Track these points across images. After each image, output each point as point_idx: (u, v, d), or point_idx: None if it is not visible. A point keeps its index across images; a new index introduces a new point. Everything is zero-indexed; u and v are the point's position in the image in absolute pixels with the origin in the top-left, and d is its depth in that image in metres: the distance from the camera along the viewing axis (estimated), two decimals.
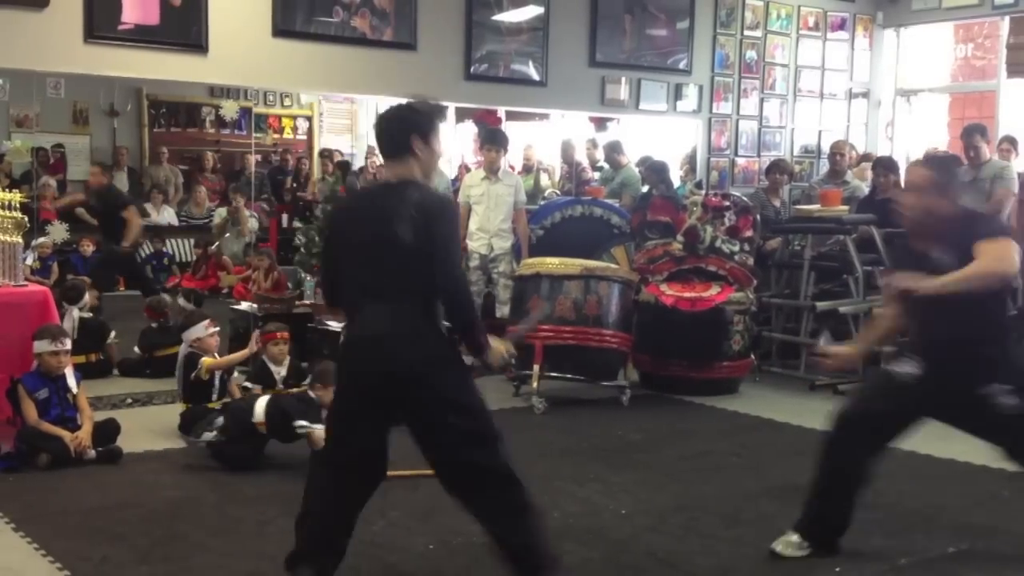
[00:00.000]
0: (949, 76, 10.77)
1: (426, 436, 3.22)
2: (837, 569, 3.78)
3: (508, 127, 9.47)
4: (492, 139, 7.57)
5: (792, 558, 3.83)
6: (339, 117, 12.96)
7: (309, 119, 13.04)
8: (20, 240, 5.54)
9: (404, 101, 3.38)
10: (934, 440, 5.66)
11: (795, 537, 3.83)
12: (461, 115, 10.47)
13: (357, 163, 12.38)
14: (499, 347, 3.31)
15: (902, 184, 8.07)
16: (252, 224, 10.22)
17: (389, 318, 3.11)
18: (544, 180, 10.63)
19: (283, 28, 7.39)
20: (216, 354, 5.61)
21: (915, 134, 10.63)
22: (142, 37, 6.93)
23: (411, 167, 3.23)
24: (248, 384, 5.82)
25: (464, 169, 10.42)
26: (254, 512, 4.25)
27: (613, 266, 7.01)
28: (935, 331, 3.66)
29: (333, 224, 3.59)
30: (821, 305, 7.34)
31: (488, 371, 6.49)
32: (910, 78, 10.65)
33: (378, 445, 3.27)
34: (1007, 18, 9.55)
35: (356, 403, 3.22)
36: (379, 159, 11.12)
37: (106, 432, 4.98)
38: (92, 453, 4.85)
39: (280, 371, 5.98)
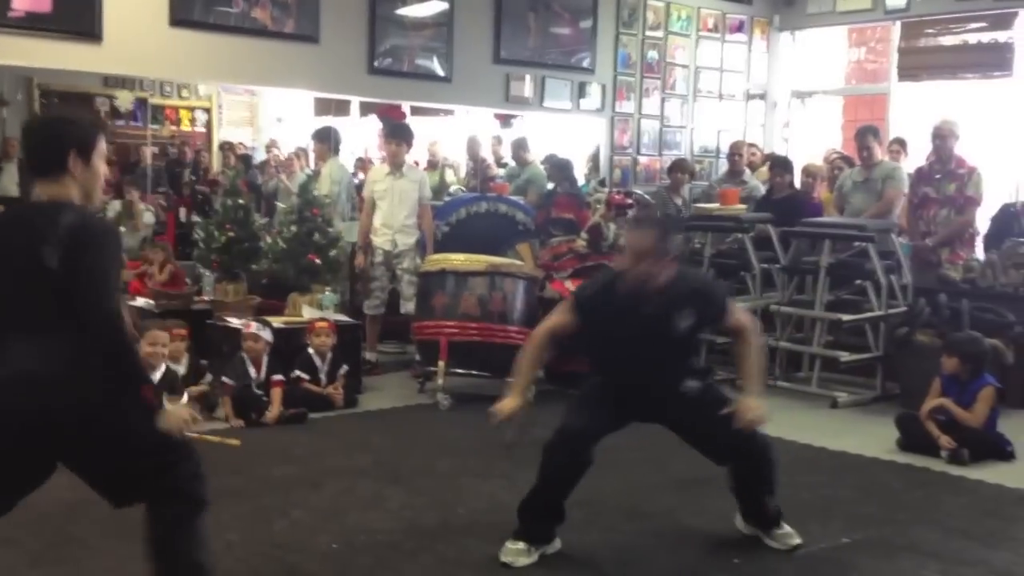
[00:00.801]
0: (843, 79, 11.09)
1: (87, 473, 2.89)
2: (736, 560, 3.86)
3: (413, 122, 9.42)
4: (396, 133, 7.52)
5: (690, 553, 3.90)
6: (239, 109, 12.69)
7: (208, 111, 12.74)
8: None
9: (57, 115, 3.05)
10: (827, 434, 5.86)
11: (521, 544, 3.80)
12: (365, 109, 10.38)
13: (258, 156, 12.18)
14: (177, 412, 2.92)
15: (797, 184, 8.32)
16: (148, 218, 9.93)
17: (38, 354, 2.69)
18: (449, 176, 10.61)
19: (180, 17, 7.21)
20: None
21: (810, 135, 10.92)
22: (32, 24, 6.68)
23: (67, 187, 2.78)
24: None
25: (367, 164, 10.34)
26: None
27: (518, 263, 7.04)
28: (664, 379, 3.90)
29: None
30: None
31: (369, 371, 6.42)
32: (805, 80, 10.93)
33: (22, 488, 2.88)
34: (898, 23, 9.87)
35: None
36: (282, 152, 11.03)
37: None
38: None
39: (179, 369, 5.86)
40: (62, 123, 2.89)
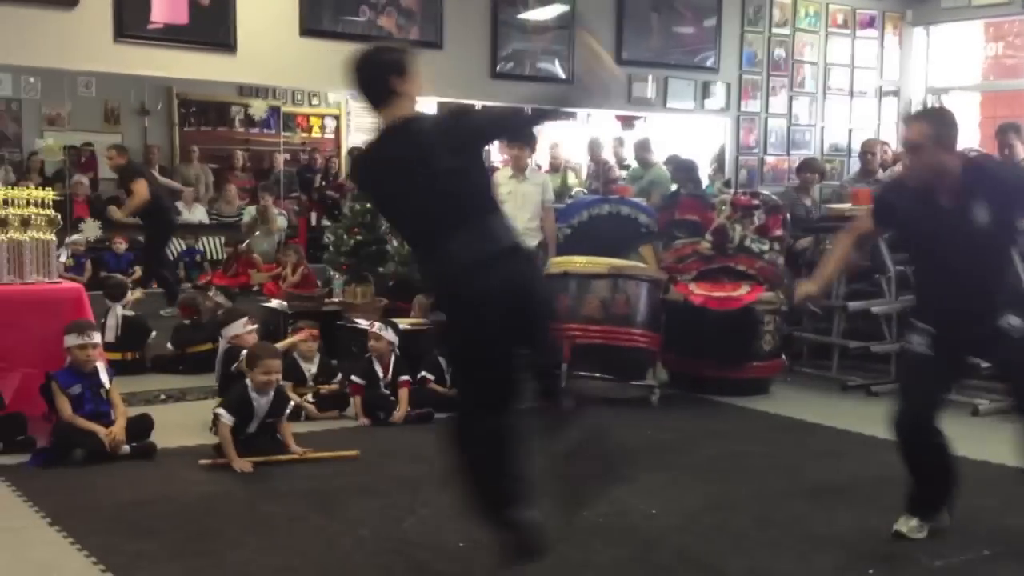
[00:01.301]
0: (980, 74, 10.67)
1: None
2: (871, 571, 3.75)
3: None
4: (518, 138, 7.56)
5: (824, 562, 3.81)
6: (367, 116, 13.01)
7: (337, 118, 13.09)
8: (53, 237, 5.59)
9: (372, 49, 3.44)
10: (969, 443, 5.63)
11: (914, 521, 3.93)
12: None
13: None
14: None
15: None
16: (281, 222, 10.26)
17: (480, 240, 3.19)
18: (571, 178, 10.62)
19: (310, 27, 7.42)
20: None
21: None
22: (171, 36, 6.98)
23: (402, 108, 3.29)
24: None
25: (491, 168, 10.43)
26: (286, 508, 4.27)
27: (641, 265, 6.99)
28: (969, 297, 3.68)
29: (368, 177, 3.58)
30: (853, 305, 7.28)
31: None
32: (940, 76, 10.56)
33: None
34: None
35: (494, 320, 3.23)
36: None
37: (140, 428, 5.02)
38: (126, 448, 4.89)
39: (310, 368, 6.02)
40: (377, 53, 3.40)
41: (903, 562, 3.82)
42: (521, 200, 7.32)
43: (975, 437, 5.83)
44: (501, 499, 3.32)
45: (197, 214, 11.23)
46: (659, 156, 9.46)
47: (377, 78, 3.30)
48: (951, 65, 10.58)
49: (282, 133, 12.35)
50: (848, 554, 3.88)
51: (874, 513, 4.28)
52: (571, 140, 11.09)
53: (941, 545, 3.89)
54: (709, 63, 9.31)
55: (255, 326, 5.77)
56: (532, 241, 7.33)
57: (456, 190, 3.20)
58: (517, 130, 3.46)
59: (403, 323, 6.49)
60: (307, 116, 12.87)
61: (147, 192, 8.57)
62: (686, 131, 10.01)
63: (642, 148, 9.50)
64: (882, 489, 4.61)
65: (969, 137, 10.34)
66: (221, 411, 4.87)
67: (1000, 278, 3.78)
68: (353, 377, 6.00)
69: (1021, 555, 3.94)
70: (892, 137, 10.19)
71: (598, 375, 6.48)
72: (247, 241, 9.93)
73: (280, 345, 5.66)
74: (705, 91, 9.33)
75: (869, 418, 6.18)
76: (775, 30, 9.70)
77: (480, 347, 3.25)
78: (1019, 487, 4.86)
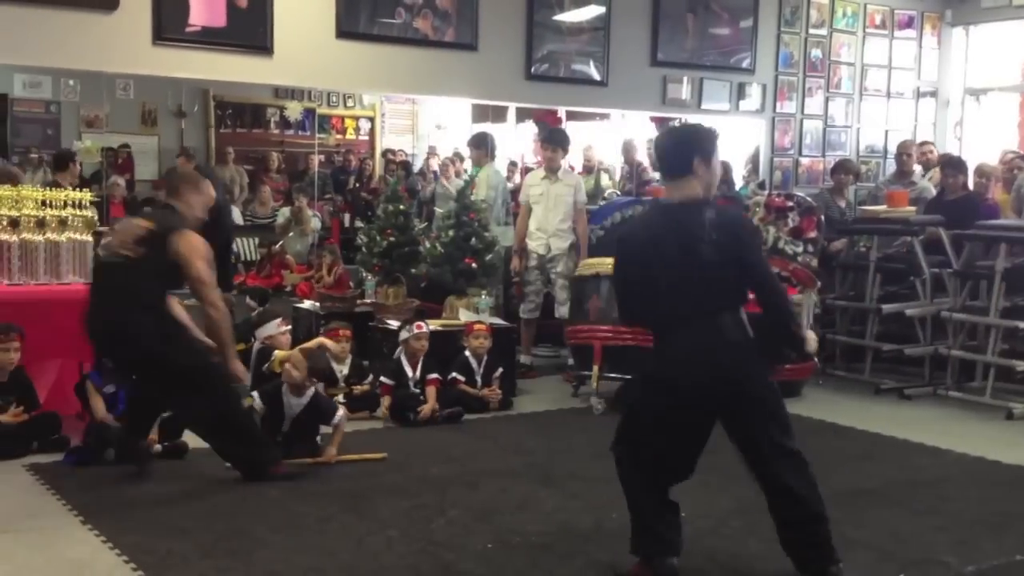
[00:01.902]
0: (1020, 75, 10.51)
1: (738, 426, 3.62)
2: (901, 575, 3.71)
3: (568, 127, 9.45)
4: (552, 139, 7.56)
5: (854, 565, 3.77)
6: (401, 118, 13.05)
7: (371, 120, 13.15)
8: (90, 238, 5.66)
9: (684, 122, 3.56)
10: (1003, 447, 5.56)
11: None
12: (521, 115, 10.48)
13: (418, 163, 12.47)
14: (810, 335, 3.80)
15: (970, 185, 7.93)
16: (315, 224, 10.32)
17: (713, 331, 3.43)
18: (604, 180, 10.59)
19: (346, 29, 7.45)
20: None
21: (984, 134, 10.39)
22: (209, 39, 7.04)
23: (694, 186, 3.48)
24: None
25: (523, 169, 10.43)
26: (316, 508, 4.29)
27: None
28: None
29: (628, 247, 3.69)
30: (887, 308, 7.21)
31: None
32: (980, 77, 10.41)
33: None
34: None
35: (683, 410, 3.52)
36: (439, 158, 11.25)
37: (172, 427, 5.07)
38: (158, 448, 4.94)
39: (342, 369, 6.06)
40: (689, 132, 3.74)
41: (934, 567, 3.78)
42: (554, 201, 7.33)
43: (1009, 441, 5.77)
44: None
45: (232, 216, 11.30)
46: None
47: (681, 153, 3.53)
48: (991, 65, 10.43)
49: (317, 135, 12.43)
50: (879, 557, 3.85)
51: (906, 517, 4.24)
52: (605, 141, 11.07)
53: (973, 550, 3.85)
54: (745, 64, 9.25)
55: (288, 327, 5.82)
56: (564, 243, 7.34)
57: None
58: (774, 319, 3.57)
59: (434, 324, 6.52)
60: (342, 118, 12.94)
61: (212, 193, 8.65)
62: (721, 132, 9.95)
63: None
64: (914, 493, 4.57)
65: (1007, 139, 10.20)
66: (254, 394, 4.93)
67: None
68: (383, 378, 6.04)
69: None
70: (930, 138, 10.09)
71: (629, 377, 6.46)
72: (280, 242, 10.01)
73: (305, 347, 5.67)
74: (740, 92, 9.28)
75: (902, 421, 6.13)
76: (812, 31, 9.63)
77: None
78: None
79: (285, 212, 10.61)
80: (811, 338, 3.78)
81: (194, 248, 4.55)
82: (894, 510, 4.40)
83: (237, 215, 11.49)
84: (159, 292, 4.59)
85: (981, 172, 8.14)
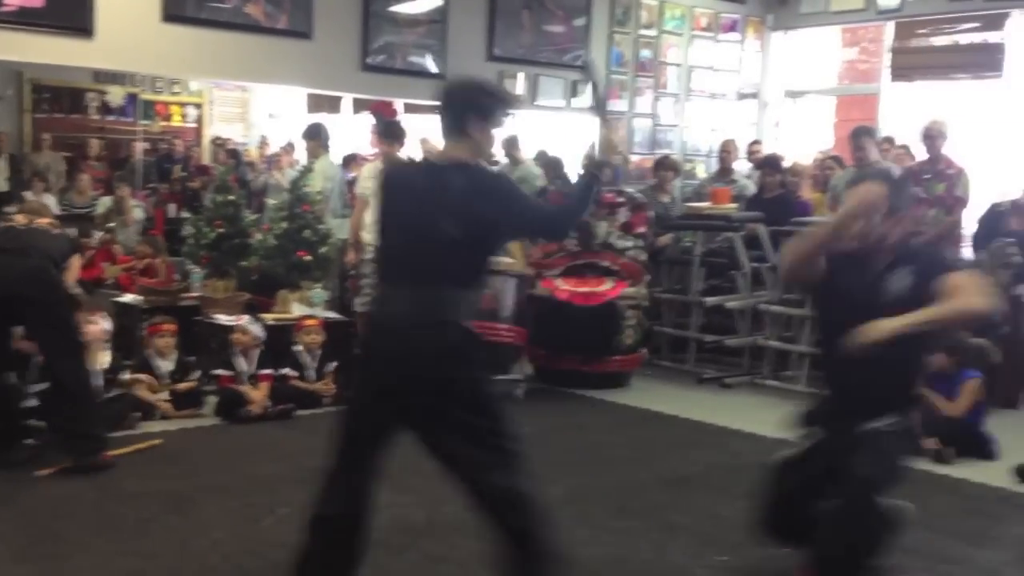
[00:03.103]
0: (835, 78, 11.11)
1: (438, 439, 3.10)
2: (724, 557, 3.87)
3: (406, 119, 9.40)
4: (388, 132, 7.50)
5: (680, 550, 3.91)
6: (231, 105, 12.67)
7: (199, 107, 12.72)
8: None
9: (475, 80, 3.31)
10: None
11: None
12: (358, 106, 10.37)
13: (250, 152, 12.14)
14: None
15: (789, 183, 8.32)
16: (137, 213, 9.90)
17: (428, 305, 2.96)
18: None
19: (173, 13, 7.20)
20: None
21: (802, 135, 10.93)
22: (25, 19, 6.68)
23: (463, 149, 3.08)
24: (140, 376, 5.70)
25: (359, 160, 10.32)
26: (136, 510, 4.14)
27: (509, 260, 7.04)
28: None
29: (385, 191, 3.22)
30: (710, 301, 7.50)
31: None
32: (798, 80, 10.95)
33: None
34: (891, 23, 9.89)
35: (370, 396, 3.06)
36: (270, 148, 11.00)
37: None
38: None
39: (166, 365, 5.86)
40: (469, 88, 3.22)
41: (754, 549, 3.95)
42: None
43: None
44: None
45: (48, 204, 10.74)
46: (528, 153, 9.54)
47: (456, 110, 3.13)
48: (808, 69, 10.98)
49: (140, 121, 11.93)
50: (702, 541, 4.00)
51: (726, 501, 4.42)
52: (440, 135, 11.07)
53: None
54: (579, 62, 9.43)
55: (101, 319, 5.59)
56: None
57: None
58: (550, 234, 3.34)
59: (268, 318, 6.39)
60: (167, 104, 12.47)
61: None
62: (555, 128, 10.11)
63: (511, 145, 9.53)
64: (734, 477, 4.77)
65: (823, 139, 10.77)
66: None
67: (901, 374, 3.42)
68: (218, 370, 5.91)
69: None
70: (750, 138, 10.53)
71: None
72: (101, 233, 9.58)
73: None
74: (574, 89, 9.45)
75: (723, 409, 6.40)
76: (642, 31, 9.90)
77: None
78: None
79: (105, 201, 10.15)
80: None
81: None
82: (716, 495, 4.59)
83: (54, 204, 10.94)
84: None
85: (794, 171, 8.56)
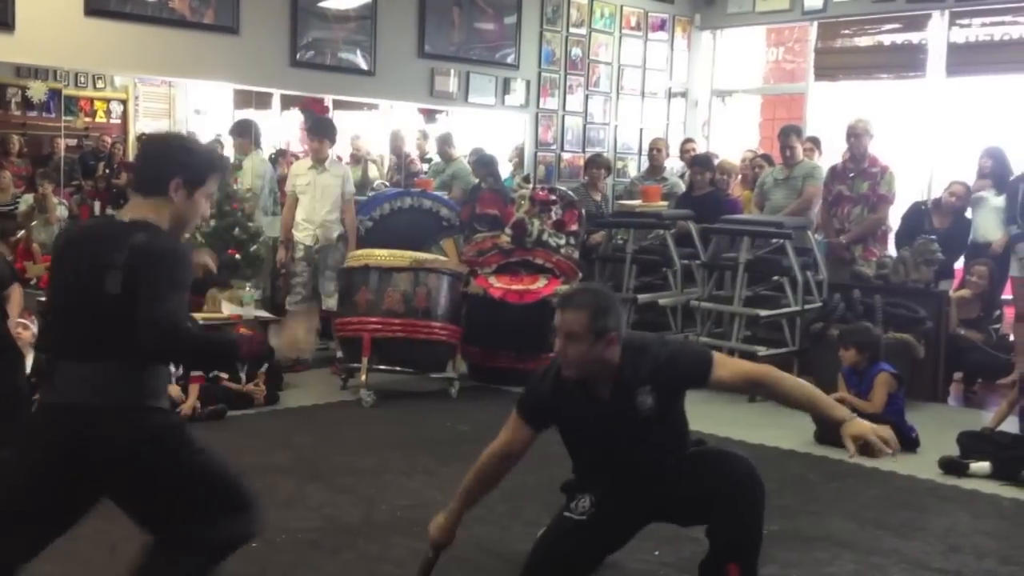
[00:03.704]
0: (761, 78, 11.28)
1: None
2: (656, 552, 3.91)
3: (336, 116, 9.33)
4: (318, 129, 7.46)
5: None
6: (156, 101, 12.43)
7: (124, 102, 12.47)
8: None
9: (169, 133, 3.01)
10: (745, 427, 5.97)
11: None
12: (287, 102, 10.26)
13: None
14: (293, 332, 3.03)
15: (718, 181, 8.44)
16: (61, 211, 9.69)
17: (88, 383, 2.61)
18: (372, 171, 10.53)
19: (96, 7, 7.03)
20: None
21: (729, 133, 11.09)
22: None
23: (160, 212, 2.71)
24: None
25: (288, 158, 10.22)
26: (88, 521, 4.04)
27: (442, 258, 7.04)
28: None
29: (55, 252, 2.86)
30: (642, 297, 7.58)
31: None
32: (725, 79, 11.10)
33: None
34: (815, 23, 10.08)
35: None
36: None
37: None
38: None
39: None
40: (177, 149, 2.84)
41: (686, 543, 4.00)
42: (321, 192, 7.23)
43: (752, 422, 6.19)
44: None
45: None
46: (461, 150, 9.53)
47: (159, 170, 2.75)
48: (735, 68, 11.14)
49: (63, 117, 11.64)
50: (638, 537, 4.01)
51: None
52: (373, 132, 11.00)
53: None
54: (509, 60, 9.44)
55: (30, 323, 5.45)
56: (332, 233, 7.25)
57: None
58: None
59: (198, 317, 6.28)
60: (91, 100, 12.18)
61: None
62: (487, 126, 10.12)
63: (444, 142, 9.54)
64: None
65: (750, 138, 10.94)
66: None
67: (673, 459, 3.39)
68: None
69: (794, 533, 4.20)
70: (679, 137, 10.65)
71: (399, 368, 6.48)
72: (23, 231, 9.35)
73: None
74: (506, 87, 9.46)
75: None
76: (572, 30, 9.94)
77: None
78: (794, 468, 5.19)
79: (28, 199, 9.91)
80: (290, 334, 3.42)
81: None
82: None
83: None
84: None
85: (723, 169, 8.69)
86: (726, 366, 3.31)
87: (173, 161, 2.73)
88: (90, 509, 2.77)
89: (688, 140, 9.99)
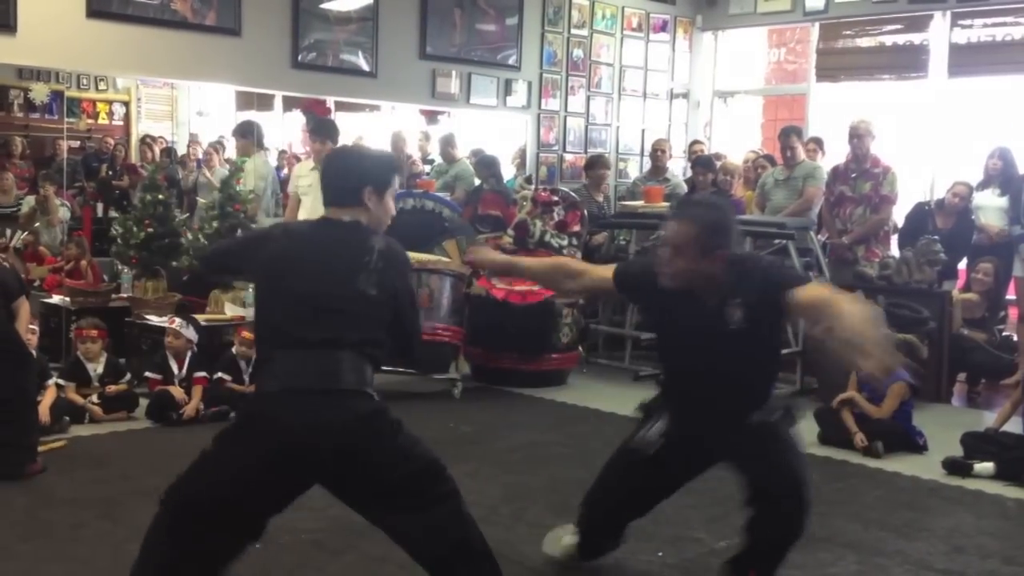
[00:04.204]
0: (763, 79, 11.28)
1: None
2: (660, 553, 3.91)
3: (338, 117, 9.34)
4: (320, 130, 7.44)
5: (624, 546, 3.93)
6: (159, 103, 12.46)
7: (126, 104, 12.49)
8: None
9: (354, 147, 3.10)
10: None
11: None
12: (289, 104, 10.26)
13: (179, 151, 11.95)
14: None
15: (721, 181, 8.44)
16: (63, 213, 9.69)
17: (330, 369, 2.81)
18: None
19: (98, 8, 7.04)
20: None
21: (731, 134, 11.09)
22: None
23: (360, 217, 2.97)
24: (61, 381, 5.56)
25: (293, 159, 10.23)
26: (68, 515, 4.05)
27: (445, 259, 7.03)
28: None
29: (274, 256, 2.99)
30: None
31: None
32: (727, 80, 11.10)
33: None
34: (817, 24, 10.07)
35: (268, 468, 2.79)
36: (202, 147, 10.84)
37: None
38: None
39: (96, 368, 5.74)
40: (360, 159, 3.12)
41: (689, 543, 4.00)
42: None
43: None
44: None
45: None
46: (463, 151, 9.53)
47: (350, 182, 2.99)
48: (737, 69, 11.14)
49: (66, 119, 11.66)
50: (639, 537, 4.02)
51: None
52: (374, 133, 11.00)
53: (724, 526, 4.10)
54: (511, 61, 9.44)
55: (34, 325, 5.46)
56: None
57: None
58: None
59: (201, 319, 6.29)
60: (93, 102, 12.20)
61: None
62: (489, 127, 10.12)
63: (446, 143, 9.54)
64: None
65: (752, 139, 10.93)
66: None
67: (759, 387, 3.35)
68: (148, 373, 5.80)
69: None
70: (681, 138, 10.64)
71: (401, 369, 6.47)
72: (25, 232, 9.36)
73: None
74: (507, 88, 9.46)
75: None
76: (574, 31, 9.94)
77: None
78: None
79: (30, 201, 9.92)
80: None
81: None
82: None
83: None
84: None
85: (725, 170, 8.69)
86: (811, 291, 3.10)
87: (359, 172, 2.99)
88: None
89: (696, 142, 10.01)
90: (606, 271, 3.52)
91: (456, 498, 2.93)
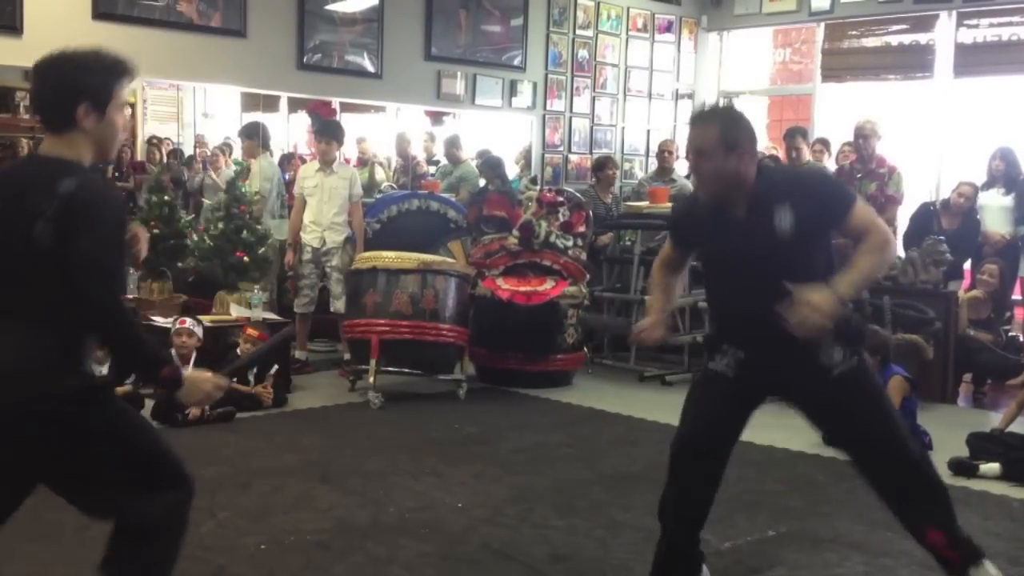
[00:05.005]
0: (768, 79, 11.27)
1: None
2: None
3: (343, 119, 9.35)
4: (326, 131, 7.45)
5: (622, 547, 3.93)
6: (164, 104, 12.48)
7: (132, 105, 12.52)
8: None
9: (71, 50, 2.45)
10: (754, 428, 5.94)
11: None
12: (294, 105, 10.27)
13: (185, 152, 11.98)
14: (198, 382, 2.58)
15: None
16: None
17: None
18: (379, 173, 10.54)
19: (103, 10, 7.07)
20: None
21: None
22: None
23: (76, 145, 2.41)
24: None
25: (299, 160, 10.23)
26: (72, 516, 4.01)
27: (450, 260, 7.03)
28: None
29: None
30: (649, 299, 7.55)
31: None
32: (732, 80, 11.09)
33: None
34: (822, 24, 10.07)
35: None
36: (209, 149, 10.85)
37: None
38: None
39: (101, 369, 5.74)
40: (72, 67, 2.43)
41: None
42: (328, 194, 7.23)
43: (761, 423, 6.18)
44: None
45: None
46: (468, 152, 9.54)
47: (60, 98, 2.41)
48: (742, 70, 11.14)
49: None
50: (644, 538, 4.01)
51: None
52: (379, 134, 11.02)
53: (728, 527, 4.10)
54: (516, 62, 9.45)
55: None
56: (339, 236, 7.26)
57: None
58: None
59: (206, 320, 6.30)
60: None
61: None
62: (494, 128, 10.14)
63: (451, 144, 9.54)
64: None
65: (759, 139, 10.92)
66: None
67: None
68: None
69: (803, 535, 4.19)
70: (683, 139, 10.63)
71: (407, 370, 6.48)
72: None
73: None
74: (512, 89, 9.47)
75: (664, 406, 6.42)
76: (579, 32, 9.95)
77: None
78: (803, 469, 5.19)
79: None
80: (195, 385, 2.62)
81: None
82: (658, 492, 4.58)
83: None
84: None
85: None
86: (862, 214, 3.05)
87: (69, 85, 2.40)
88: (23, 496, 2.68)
89: (668, 141, 9.95)
90: (668, 242, 3.52)
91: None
